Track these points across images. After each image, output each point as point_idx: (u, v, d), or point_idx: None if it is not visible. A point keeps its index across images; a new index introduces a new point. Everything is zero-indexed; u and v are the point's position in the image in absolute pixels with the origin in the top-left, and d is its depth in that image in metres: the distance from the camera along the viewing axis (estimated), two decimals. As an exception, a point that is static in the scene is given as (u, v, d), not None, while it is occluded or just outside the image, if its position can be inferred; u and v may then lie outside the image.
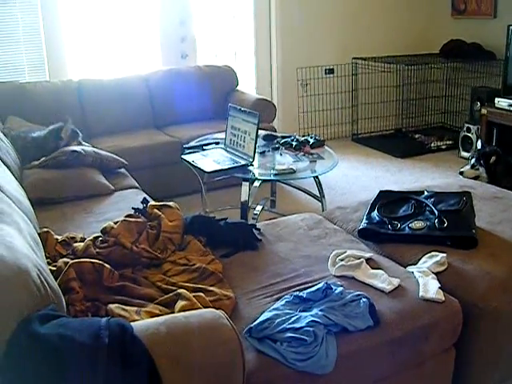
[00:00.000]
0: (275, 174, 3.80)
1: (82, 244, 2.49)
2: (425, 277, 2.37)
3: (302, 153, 4.25)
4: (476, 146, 4.81)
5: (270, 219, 3.30)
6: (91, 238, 2.53)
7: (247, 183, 3.89)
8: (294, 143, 4.34)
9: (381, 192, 3.17)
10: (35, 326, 1.51)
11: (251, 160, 3.87)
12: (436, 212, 2.84)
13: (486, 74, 6.69)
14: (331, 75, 7.11)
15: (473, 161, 4.61)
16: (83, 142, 4.23)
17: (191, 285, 2.29)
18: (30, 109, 4.92)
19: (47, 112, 4.94)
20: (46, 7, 5.57)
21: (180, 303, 2.07)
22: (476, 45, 6.72)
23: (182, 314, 1.80)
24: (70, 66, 5.88)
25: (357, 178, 5.72)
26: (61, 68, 5.81)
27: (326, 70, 7.06)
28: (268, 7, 6.70)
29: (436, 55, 7.07)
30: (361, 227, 2.87)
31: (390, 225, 2.81)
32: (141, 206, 2.84)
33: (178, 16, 6.24)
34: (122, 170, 4.18)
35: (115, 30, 6.03)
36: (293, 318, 2.01)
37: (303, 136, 4.56)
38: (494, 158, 4.43)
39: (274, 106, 5.71)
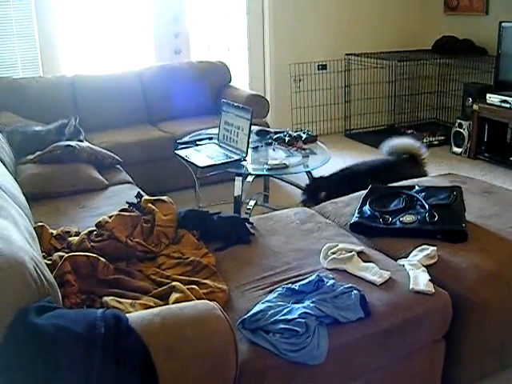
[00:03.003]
0: (268, 169, 3.82)
1: (77, 238, 2.51)
2: (415, 269, 2.40)
3: (295, 148, 4.27)
4: (309, 178, 4.29)
5: (263, 214, 3.33)
6: (86, 231, 2.55)
7: (240, 178, 3.91)
8: (287, 138, 4.36)
9: (372, 187, 3.20)
10: (32, 317, 1.53)
11: (244, 155, 3.90)
12: (427, 206, 2.87)
13: (477, 70, 6.72)
14: (324, 71, 7.13)
15: (303, 198, 4.09)
16: (84, 141, 4.25)
17: (185, 278, 2.32)
18: (24, 104, 4.92)
19: (41, 108, 4.96)
20: (39, 2, 5.57)
21: (174, 295, 2.10)
22: (468, 41, 6.75)
23: (177, 305, 1.83)
24: (63, 62, 5.88)
25: (349, 174, 5.73)
26: (54, 64, 5.81)
27: (318, 65, 7.07)
28: (261, 3, 6.71)
29: (428, 51, 7.09)
30: (352, 221, 2.90)
31: (382, 219, 2.84)
32: (135, 201, 2.87)
33: (171, 12, 6.25)
34: (117, 165, 4.19)
35: (109, 25, 6.03)
36: (285, 310, 2.04)
37: (296, 131, 4.58)
38: (324, 194, 3.91)
39: (267, 101, 5.73)
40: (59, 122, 4.24)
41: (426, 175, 4.14)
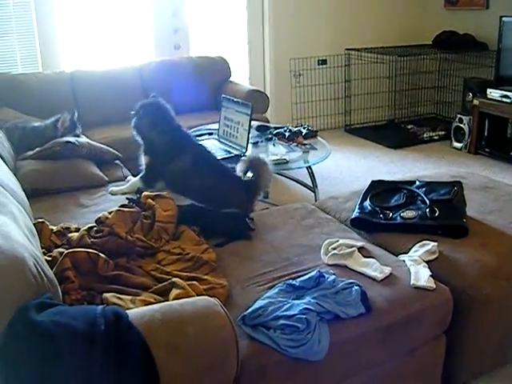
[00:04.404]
0: (268, 165, 3.81)
1: (77, 234, 2.50)
2: (416, 265, 2.39)
3: (295, 143, 4.27)
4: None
5: (264, 209, 3.32)
6: (86, 228, 2.54)
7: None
8: (287, 134, 4.36)
9: (373, 182, 3.19)
10: (32, 314, 1.52)
11: (244, 151, 3.89)
12: (427, 201, 2.86)
13: (478, 64, 6.71)
14: (324, 66, 7.12)
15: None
16: (81, 136, 4.23)
17: (185, 274, 2.31)
18: (23, 100, 4.91)
19: (40, 103, 4.94)
20: (38, -2, 5.56)
21: (174, 292, 2.09)
22: (468, 36, 6.73)
23: (177, 301, 1.82)
24: (62, 57, 5.86)
25: (349, 169, 5.74)
26: (53, 59, 5.79)
27: (318, 60, 7.06)
28: (261, -2, 6.71)
29: (429, 46, 7.08)
30: (353, 216, 2.90)
31: (382, 214, 2.84)
32: (135, 197, 2.86)
33: (170, 7, 6.23)
34: (116, 161, 4.18)
35: (108, 21, 6.01)
36: (286, 306, 2.03)
37: (296, 127, 4.58)
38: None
39: (267, 96, 5.71)
40: (54, 118, 4.22)
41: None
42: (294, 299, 2.11)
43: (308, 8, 6.81)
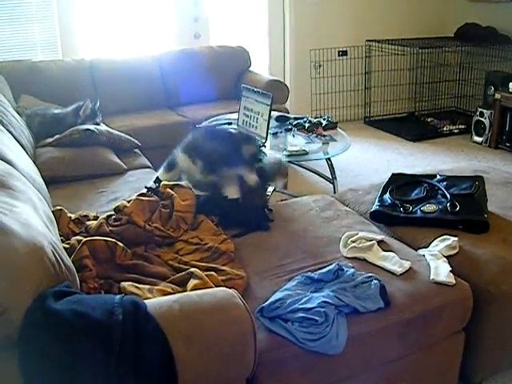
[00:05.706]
0: (287, 155, 3.79)
1: (95, 222, 2.50)
2: (436, 260, 2.37)
3: (315, 134, 4.25)
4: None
5: (282, 200, 3.31)
6: (104, 216, 2.54)
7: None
8: (307, 125, 4.33)
9: (393, 175, 3.17)
10: (50, 302, 1.52)
11: (264, 141, 3.87)
12: (448, 196, 2.83)
13: (500, 58, 6.63)
14: (344, 57, 7.08)
15: None
16: (101, 124, 4.23)
17: (203, 264, 2.30)
18: (43, 87, 4.92)
19: (60, 91, 4.95)
20: (59, -15, 5.56)
21: (192, 282, 2.08)
22: (491, 29, 6.66)
23: (195, 292, 1.81)
24: (82, 45, 5.87)
25: (369, 161, 5.71)
26: (73, 46, 5.80)
27: (339, 51, 7.02)
28: (282, -12, 6.67)
29: (450, 39, 7.01)
30: (373, 209, 2.87)
31: (402, 208, 2.81)
32: (153, 186, 2.86)
33: (191, -4, 6.22)
34: (135, 149, 4.18)
35: (128, 9, 6.00)
36: (304, 299, 2.02)
37: (316, 118, 4.55)
38: None
39: (287, 87, 5.69)
40: (76, 105, 4.22)
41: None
42: (312, 292, 2.10)
43: (329, -2, 6.77)
